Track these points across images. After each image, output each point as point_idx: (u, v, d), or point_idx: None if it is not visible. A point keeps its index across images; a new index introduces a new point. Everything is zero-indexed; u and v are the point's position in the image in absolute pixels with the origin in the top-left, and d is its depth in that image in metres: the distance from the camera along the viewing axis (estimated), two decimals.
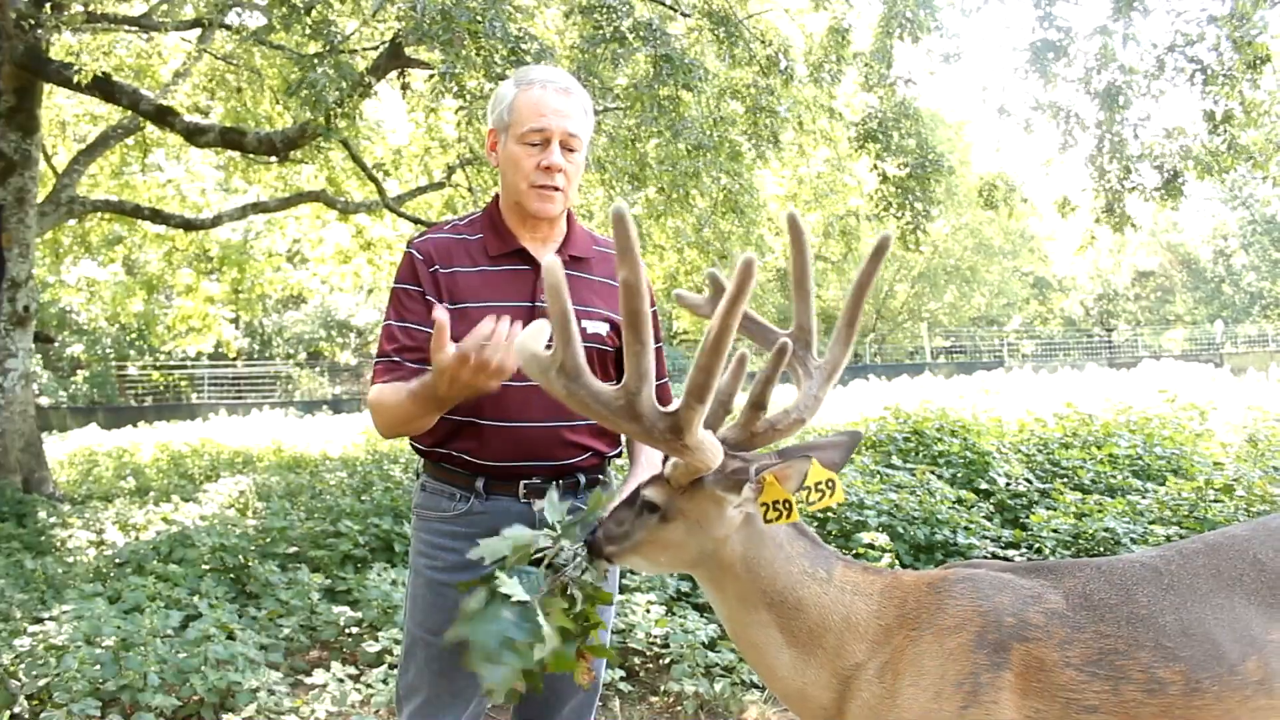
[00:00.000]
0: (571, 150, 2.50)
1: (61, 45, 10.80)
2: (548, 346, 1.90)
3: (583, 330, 2.48)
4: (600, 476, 2.65)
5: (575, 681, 2.15)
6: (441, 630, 2.44)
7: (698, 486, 2.02)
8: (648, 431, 1.89)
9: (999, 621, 1.88)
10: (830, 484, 2.02)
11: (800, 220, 2.14)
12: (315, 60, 7.37)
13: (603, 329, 2.55)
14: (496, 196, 2.63)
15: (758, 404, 2.09)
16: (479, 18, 6.66)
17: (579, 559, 2.14)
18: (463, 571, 2.43)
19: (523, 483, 2.50)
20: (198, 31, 11.59)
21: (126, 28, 11.90)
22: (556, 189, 2.48)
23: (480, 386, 2.21)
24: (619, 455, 2.70)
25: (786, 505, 1.96)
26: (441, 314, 2.16)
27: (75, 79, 9.45)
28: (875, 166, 10.82)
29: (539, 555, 2.13)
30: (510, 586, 2.01)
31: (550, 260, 1.78)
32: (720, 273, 2.36)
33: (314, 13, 7.44)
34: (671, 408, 1.88)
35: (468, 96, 7.28)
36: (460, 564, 2.43)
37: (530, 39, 7.29)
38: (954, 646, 1.88)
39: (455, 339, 2.26)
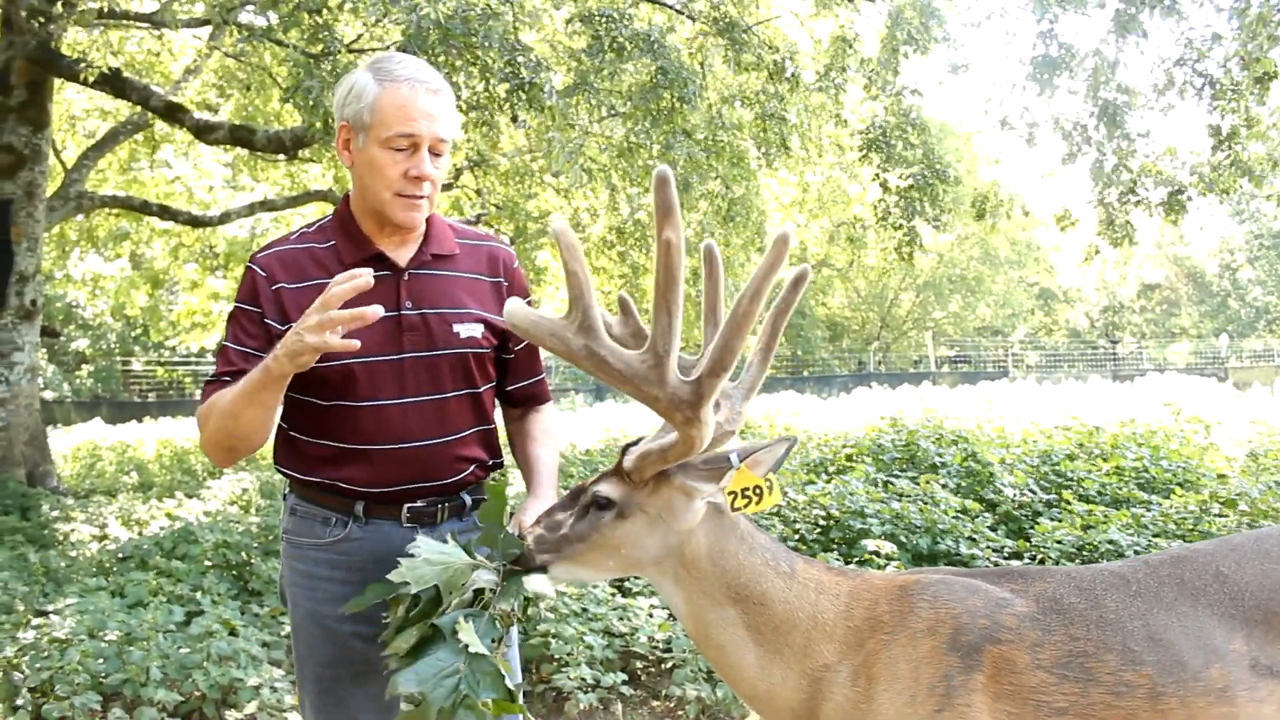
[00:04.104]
0: (438, 155, 2.27)
1: (72, 41, 10.82)
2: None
3: (455, 335, 2.31)
4: (482, 496, 2.44)
5: None
6: (331, 661, 2.32)
7: (662, 480, 1.97)
8: (669, 397, 1.81)
9: (972, 624, 1.89)
10: (757, 490, 1.95)
11: (716, 251, 2.11)
12: (313, 64, 7.35)
13: (476, 330, 2.34)
14: (346, 197, 2.40)
15: None
16: (474, 30, 6.66)
17: (508, 585, 1.98)
18: (347, 601, 2.20)
19: (406, 506, 2.32)
20: (208, 29, 11.62)
21: (138, 24, 11.93)
22: (424, 197, 2.27)
23: (306, 336, 1.96)
24: (499, 465, 2.51)
25: (757, 491, 1.92)
26: (366, 275, 1.97)
27: (81, 75, 9.47)
28: (878, 176, 10.83)
29: (476, 588, 1.95)
30: (468, 635, 1.85)
31: (559, 223, 1.76)
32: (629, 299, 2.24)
33: (314, 16, 7.40)
34: (691, 377, 1.80)
35: (463, 106, 7.29)
36: (342, 595, 2.24)
37: (526, 50, 7.29)
38: (928, 650, 1.88)
39: (321, 359, 2.06)
